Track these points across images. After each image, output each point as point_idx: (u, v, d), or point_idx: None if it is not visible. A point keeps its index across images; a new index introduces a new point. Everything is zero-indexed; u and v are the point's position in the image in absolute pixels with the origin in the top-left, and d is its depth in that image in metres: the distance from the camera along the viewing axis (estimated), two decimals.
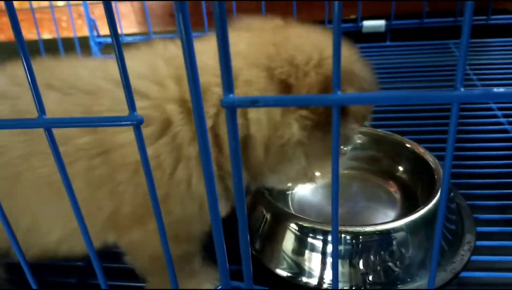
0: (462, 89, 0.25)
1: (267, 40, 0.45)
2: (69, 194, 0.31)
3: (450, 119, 0.26)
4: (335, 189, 0.29)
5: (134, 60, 0.44)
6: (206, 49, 0.44)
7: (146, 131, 0.41)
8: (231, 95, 0.25)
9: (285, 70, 0.42)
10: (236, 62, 0.42)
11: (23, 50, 0.26)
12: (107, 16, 0.25)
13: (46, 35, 1.36)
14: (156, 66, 0.44)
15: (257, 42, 0.45)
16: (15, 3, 0.25)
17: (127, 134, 0.41)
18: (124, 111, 0.41)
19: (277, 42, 0.44)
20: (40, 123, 0.28)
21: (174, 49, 0.46)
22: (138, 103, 0.42)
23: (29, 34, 1.26)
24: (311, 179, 0.51)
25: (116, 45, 0.25)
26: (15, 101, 0.43)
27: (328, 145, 0.50)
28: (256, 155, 0.45)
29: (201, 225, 0.47)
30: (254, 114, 0.43)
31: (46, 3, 1.28)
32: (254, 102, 0.25)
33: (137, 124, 0.28)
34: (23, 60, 0.26)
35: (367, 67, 0.47)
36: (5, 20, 1.36)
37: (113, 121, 0.31)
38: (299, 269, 0.52)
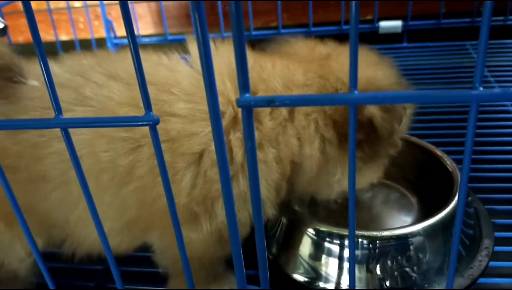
0: (481, 88, 0.24)
1: (318, 73, 0.48)
2: (85, 195, 0.31)
3: (469, 119, 0.26)
4: (351, 193, 0.29)
5: (217, 57, 0.46)
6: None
7: None
8: (247, 95, 0.24)
9: (333, 106, 0.46)
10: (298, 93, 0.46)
11: (40, 49, 0.26)
12: (123, 17, 0.25)
13: (63, 37, 1.37)
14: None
15: (311, 76, 0.47)
16: (33, 4, 0.25)
17: (196, 124, 0.42)
18: (193, 102, 0.43)
19: (324, 76, 0.48)
20: (56, 123, 0.28)
21: (256, 54, 0.48)
22: None
23: (47, 35, 1.27)
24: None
25: (133, 45, 0.25)
26: (79, 89, 0.44)
27: (372, 173, 0.56)
28: (300, 179, 0.49)
29: (249, 228, 0.48)
30: (309, 149, 0.46)
31: (64, 4, 1.29)
32: (270, 102, 0.25)
33: (153, 124, 0.27)
34: (40, 59, 0.27)
35: (408, 86, 0.52)
36: (24, 21, 1.38)
37: (130, 121, 0.31)
38: (316, 274, 0.51)
